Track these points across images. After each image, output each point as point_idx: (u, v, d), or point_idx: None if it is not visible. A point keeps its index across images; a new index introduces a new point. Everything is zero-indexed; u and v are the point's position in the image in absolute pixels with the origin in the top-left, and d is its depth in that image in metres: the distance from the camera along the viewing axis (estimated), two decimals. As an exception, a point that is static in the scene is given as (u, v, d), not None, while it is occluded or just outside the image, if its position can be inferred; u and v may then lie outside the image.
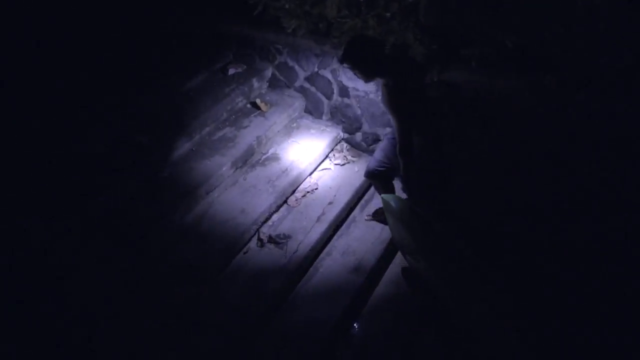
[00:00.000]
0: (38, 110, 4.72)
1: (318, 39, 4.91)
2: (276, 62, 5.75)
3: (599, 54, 3.65)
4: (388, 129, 4.80)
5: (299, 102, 5.68)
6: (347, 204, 4.89)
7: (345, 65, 3.72)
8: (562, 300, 3.93)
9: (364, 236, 4.67)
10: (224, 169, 4.86)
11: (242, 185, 4.89)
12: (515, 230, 4.39)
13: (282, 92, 5.82)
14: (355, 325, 4.10)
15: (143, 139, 4.75)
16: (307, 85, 5.60)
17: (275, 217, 4.77)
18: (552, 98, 3.83)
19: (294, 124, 5.63)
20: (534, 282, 4.06)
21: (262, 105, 5.55)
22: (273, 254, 4.42)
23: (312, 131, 5.51)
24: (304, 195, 4.94)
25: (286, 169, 5.01)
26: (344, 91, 5.23)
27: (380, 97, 4.42)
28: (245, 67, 5.83)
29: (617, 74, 3.63)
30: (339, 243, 4.66)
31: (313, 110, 5.71)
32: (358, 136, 5.43)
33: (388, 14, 4.25)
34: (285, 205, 4.88)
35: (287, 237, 4.53)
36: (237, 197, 4.76)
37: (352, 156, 5.39)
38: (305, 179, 5.12)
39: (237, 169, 5.02)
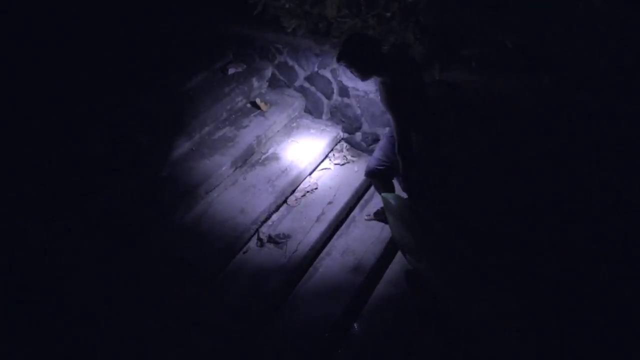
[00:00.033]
0: (38, 110, 4.71)
1: (318, 38, 4.91)
2: (276, 62, 5.75)
3: (599, 54, 3.65)
4: (387, 129, 4.80)
5: (298, 102, 5.68)
6: (347, 203, 4.89)
7: (341, 63, 3.71)
8: (562, 300, 3.93)
9: (364, 236, 4.67)
10: (223, 168, 4.85)
11: (241, 185, 4.88)
12: (515, 230, 4.40)
13: (282, 92, 5.82)
14: (355, 325, 4.09)
15: (143, 139, 4.75)
16: (307, 84, 5.59)
17: (274, 216, 4.76)
18: (552, 98, 3.83)
19: (294, 124, 5.63)
20: (534, 282, 4.06)
21: (262, 105, 5.55)
22: (273, 254, 4.42)
23: (312, 131, 5.50)
24: (303, 195, 4.94)
25: (286, 169, 5.00)
26: (344, 91, 5.23)
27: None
28: (245, 66, 5.83)
29: (617, 74, 3.62)
30: (338, 243, 4.66)
31: (313, 110, 5.71)
32: (358, 136, 5.43)
33: (388, 14, 4.25)
34: (284, 205, 4.88)
35: (286, 236, 4.53)
36: (237, 197, 4.75)
37: (352, 156, 5.38)
38: (305, 178, 5.11)
39: (236, 168, 5.02)
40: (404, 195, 4.39)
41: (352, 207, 4.98)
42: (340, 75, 5.13)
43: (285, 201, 4.89)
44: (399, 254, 4.51)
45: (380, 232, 4.66)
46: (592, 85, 3.66)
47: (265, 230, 4.61)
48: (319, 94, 5.53)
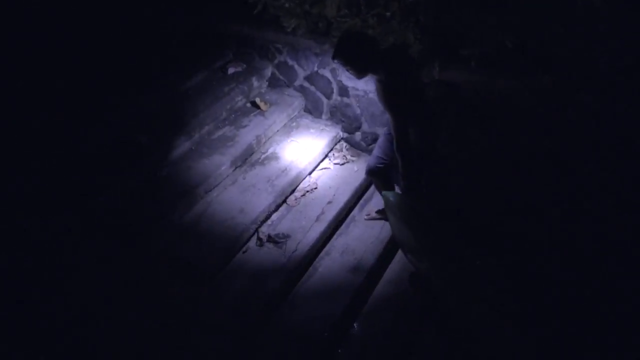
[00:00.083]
0: (38, 109, 4.70)
1: (318, 38, 4.90)
2: (276, 62, 5.75)
3: (599, 54, 3.65)
4: (386, 128, 4.80)
5: (298, 102, 5.68)
6: (347, 203, 4.89)
7: (336, 61, 3.71)
8: (562, 300, 3.93)
9: (363, 235, 4.67)
10: (223, 168, 4.85)
11: (241, 185, 4.88)
12: (515, 230, 4.40)
13: (282, 92, 5.81)
14: (354, 324, 4.09)
15: (142, 138, 4.75)
16: (306, 84, 5.59)
17: (274, 216, 4.76)
18: (552, 98, 3.83)
19: (294, 123, 5.62)
20: (534, 282, 4.06)
21: (261, 105, 5.54)
22: (272, 254, 4.41)
23: (312, 130, 5.50)
24: (303, 195, 4.94)
25: (285, 168, 5.00)
26: (344, 90, 5.23)
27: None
28: (244, 66, 5.83)
29: (617, 74, 3.63)
30: (338, 242, 4.65)
31: (312, 110, 5.71)
32: (357, 136, 5.43)
33: (388, 13, 4.24)
34: (284, 205, 4.87)
35: (286, 236, 4.52)
36: (237, 197, 4.75)
37: (352, 156, 5.38)
38: (304, 178, 5.11)
39: (236, 168, 5.02)
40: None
41: (351, 206, 4.98)
42: (340, 75, 5.13)
43: (284, 201, 4.88)
44: (399, 253, 4.51)
45: (380, 231, 4.66)
46: (592, 85, 3.66)
47: (264, 230, 4.61)
48: (318, 94, 5.53)
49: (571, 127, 3.89)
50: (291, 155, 5.17)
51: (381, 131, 5.04)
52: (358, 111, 5.25)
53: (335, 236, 4.72)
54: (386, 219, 4.60)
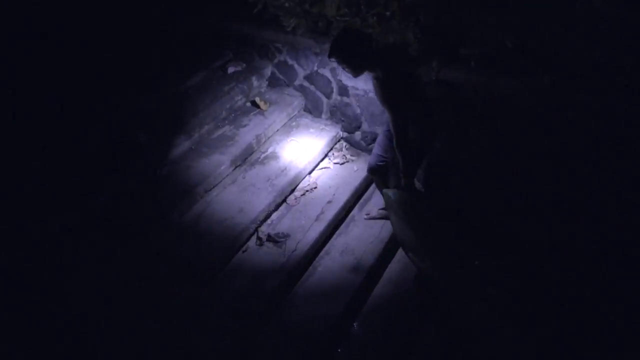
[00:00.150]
0: (38, 109, 4.70)
1: (317, 37, 4.90)
2: (276, 61, 5.74)
3: (599, 54, 3.65)
4: (385, 125, 4.80)
5: (298, 101, 5.68)
6: (346, 203, 4.89)
7: (332, 59, 3.70)
8: (562, 300, 3.94)
9: (363, 235, 4.66)
10: (223, 167, 4.85)
11: (241, 184, 4.87)
12: (515, 230, 4.40)
13: (282, 91, 5.81)
14: (354, 324, 4.09)
15: (142, 138, 4.75)
16: (306, 84, 5.59)
17: (274, 215, 4.76)
18: (552, 98, 3.83)
19: (294, 123, 5.62)
20: (533, 282, 4.06)
21: (261, 104, 5.54)
22: (272, 253, 4.41)
23: (312, 130, 5.50)
24: (303, 194, 4.94)
25: (285, 168, 5.00)
26: (344, 90, 5.23)
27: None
28: (244, 65, 5.82)
29: (617, 74, 3.62)
30: (337, 242, 4.65)
31: (312, 109, 5.71)
32: (357, 135, 5.43)
33: (388, 13, 4.24)
34: (284, 204, 4.87)
35: (286, 235, 4.52)
36: (236, 196, 4.75)
37: (351, 155, 5.38)
38: (304, 177, 5.11)
39: (236, 167, 5.02)
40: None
41: (351, 206, 4.98)
42: (340, 74, 5.13)
43: (284, 200, 4.88)
44: (399, 253, 4.51)
45: (380, 231, 4.66)
46: (592, 85, 3.66)
47: (264, 229, 4.61)
48: (318, 93, 5.53)
49: (571, 127, 3.89)
50: (291, 154, 5.17)
51: (381, 131, 5.04)
52: (358, 111, 5.25)
53: (335, 236, 4.71)
54: (386, 218, 4.61)
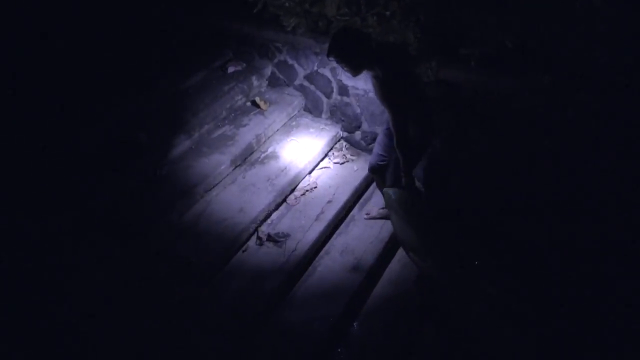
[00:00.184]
0: (38, 109, 4.69)
1: (318, 37, 4.89)
2: (276, 61, 5.74)
3: (599, 54, 3.65)
4: (385, 124, 4.80)
5: (298, 101, 5.67)
6: (346, 202, 4.89)
7: (331, 58, 3.69)
8: (562, 300, 3.94)
9: (363, 235, 4.66)
10: (222, 167, 4.85)
11: (241, 184, 4.87)
12: (516, 230, 4.40)
13: (282, 91, 5.81)
14: (354, 324, 4.09)
15: (142, 137, 4.75)
16: (306, 83, 5.59)
17: (274, 215, 4.76)
18: (552, 98, 3.83)
19: (294, 123, 5.62)
20: (533, 282, 4.06)
21: (261, 104, 5.54)
22: (272, 253, 4.42)
23: (312, 130, 5.50)
24: (303, 194, 4.94)
25: (285, 168, 5.00)
26: (344, 90, 5.23)
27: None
28: (244, 65, 5.82)
29: (617, 74, 3.62)
30: (337, 242, 4.65)
31: (312, 109, 5.71)
32: (357, 135, 5.43)
33: (388, 13, 4.24)
34: (284, 204, 4.87)
35: (286, 235, 4.52)
36: (236, 196, 4.75)
37: (352, 155, 5.38)
38: (304, 177, 5.11)
39: (236, 167, 5.02)
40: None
41: (351, 206, 4.98)
42: (340, 74, 5.12)
43: (284, 200, 4.88)
44: (399, 253, 4.51)
45: (380, 231, 4.66)
46: (592, 85, 3.66)
47: (264, 229, 4.61)
48: (318, 93, 5.53)
49: (571, 127, 3.88)
50: (291, 154, 5.17)
51: (380, 129, 5.05)
52: (358, 110, 5.25)
53: (335, 235, 4.71)
54: (386, 218, 4.61)
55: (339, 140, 5.56)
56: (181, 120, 5.04)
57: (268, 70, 5.84)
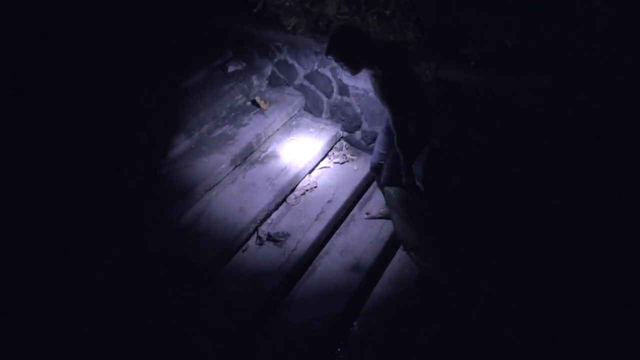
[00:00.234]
0: (38, 109, 4.70)
1: (318, 36, 4.90)
2: (276, 60, 5.74)
3: (599, 54, 3.65)
4: (384, 124, 4.80)
5: (298, 100, 5.67)
6: (346, 202, 4.89)
7: (330, 57, 3.68)
8: (562, 300, 3.93)
9: (363, 235, 4.66)
10: (222, 166, 4.86)
11: (241, 183, 4.88)
12: (516, 230, 4.40)
13: (282, 90, 5.80)
14: (354, 324, 4.09)
15: (142, 138, 4.75)
16: (306, 83, 5.58)
17: (274, 215, 4.76)
18: (552, 98, 3.82)
19: (294, 122, 5.62)
20: (533, 282, 4.06)
21: (261, 103, 5.54)
22: (272, 252, 4.42)
23: (312, 129, 5.50)
24: (303, 194, 4.94)
25: (285, 167, 5.00)
26: (344, 89, 5.23)
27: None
28: (244, 64, 5.82)
29: (617, 74, 3.62)
30: (337, 242, 4.65)
31: (312, 109, 5.70)
32: (357, 135, 5.42)
33: (388, 12, 4.24)
34: (284, 204, 4.87)
35: (286, 235, 4.52)
36: (236, 195, 4.75)
37: (352, 155, 5.38)
38: (304, 177, 5.11)
39: (236, 166, 5.02)
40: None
41: (351, 205, 4.98)
42: (340, 73, 5.12)
43: (284, 200, 4.89)
44: (399, 252, 4.51)
45: (380, 231, 4.66)
46: (592, 85, 3.66)
47: (264, 229, 4.61)
48: (318, 93, 5.52)
49: (571, 127, 3.88)
50: (291, 154, 5.17)
51: (380, 128, 5.05)
52: (358, 110, 5.25)
53: (334, 235, 4.71)
54: (387, 218, 4.61)
55: (339, 140, 5.56)
56: (181, 119, 5.03)
57: (268, 70, 5.84)
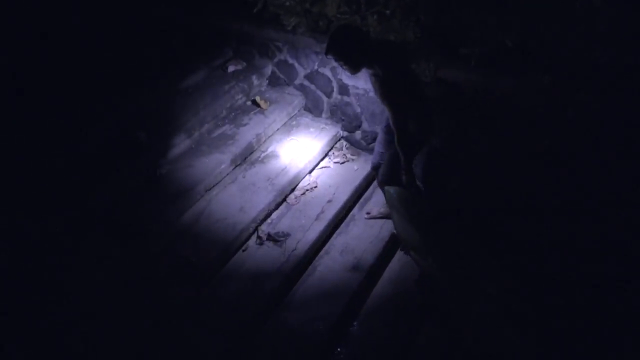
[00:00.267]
0: (38, 110, 4.70)
1: (318, 36, 4.90)
2: (276, 60, 5.74)
3: (599, 54, 3.64)
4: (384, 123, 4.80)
5: (298, 100, 5.67)
6: (346, 202, 4.89)
7: (330, 57, 3.68)
8: (562, 300, 3.93)
9: (363, 235, 4.66)
10: (223, 166, 4.85)
11: (241, 183, 4.87)
12: (516, 230, 4.40)
13: (282, 90, 5.80)
14: (354, 324, 4.09)
15: (142, 137, 4.74)
16: (306, 83, 5.58)
17: (274, 215, 4.76)
18: (552, 98, 3.82)
19: (294, 122, 5.62)
20: (533, 282, 4.06)
21: (261, 103, 5.54)
22: (272, 252, 4.41)
23: (312, 129, 5.50)
24: (303, 194, 4.94)
25: (285, 167, 5.00)
26: (344, 89, 5.23)
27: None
28: (245, 64, 5.81)
29: (617, 74, 3.62)
30: (337, 241, 4.65)
31: (313, 109, 5.70)
32: (357, 134, 5.42)
33: (388, 12, 4.24)
34: (284, 203, 4.87)
35: (286, 235, 4.52)
36: (236, 195, 4.75)
37: (352, 154, 5.38)
38: (304, 177, 5.11)
39: (236, 166, 5.02)
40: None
41: (351, 205, 4.98)
42: (340, 73, 5.12)
43: (284, 199, 4.88)
44: (399, 252, 4.51)
45: (380, 230, 4.66)
46: (592, 85, 3.65)
47: (264, 229, 4.61)
48: (318, 92, 5.52)
49: (571, 127, 3.88)
50: (291, 153, 5.16)
51: (380, 128, 5.05)
52: (358, 110, 5.25)
53: (335, 235, 4.71)
54: (387, 217, 4.61)
55: (339, 140, 5.56)
56: (181, 119, 5.03)
57: (268, 70, 5.84)
